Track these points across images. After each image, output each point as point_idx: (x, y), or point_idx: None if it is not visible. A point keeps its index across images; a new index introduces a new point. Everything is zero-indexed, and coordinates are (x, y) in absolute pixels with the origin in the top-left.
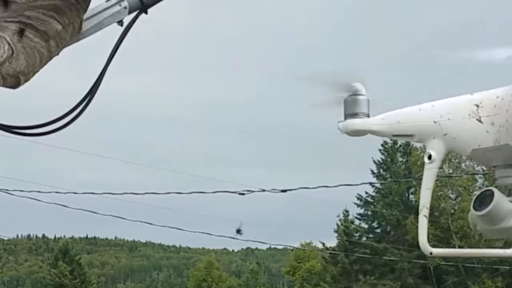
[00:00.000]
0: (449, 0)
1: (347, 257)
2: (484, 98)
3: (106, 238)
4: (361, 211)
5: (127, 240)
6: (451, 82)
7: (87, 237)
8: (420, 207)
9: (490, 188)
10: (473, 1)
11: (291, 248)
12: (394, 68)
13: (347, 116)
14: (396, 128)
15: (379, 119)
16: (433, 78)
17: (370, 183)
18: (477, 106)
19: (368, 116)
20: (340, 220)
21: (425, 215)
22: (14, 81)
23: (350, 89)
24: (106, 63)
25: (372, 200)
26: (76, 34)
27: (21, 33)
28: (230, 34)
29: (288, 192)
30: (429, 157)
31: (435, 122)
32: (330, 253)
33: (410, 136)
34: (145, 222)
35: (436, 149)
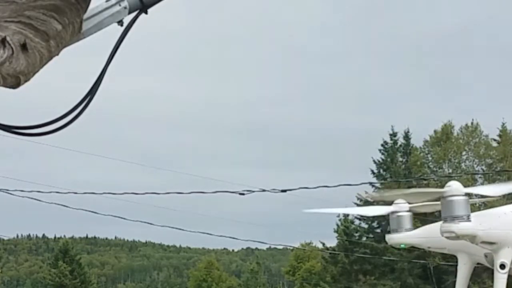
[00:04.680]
0: (450, 2)
1: (347, 257)
2: None
3: (106, 238)
4: None
5: (127, 240)
6: (451, 82)
7: (87, 237)
8: None
9: None
10: (472, 3)
11: (291, 248)
12: (394, 68)
13: (448, 219)
14: (488, 234)
15: (478, 224)
16: (433, 78)
17: (370, 183)
18: None
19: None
20: (340, 220)
21: None
22: (14, 81)
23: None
24: (106, 63)
25: (372, 200)
26: (76, 34)
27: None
28: (230, 34)
29: (288, 192)
30: (503, 266)
31: None
32: (330, 253)
33: (494, 243)
34: (145, 222)
35: (508, 258)
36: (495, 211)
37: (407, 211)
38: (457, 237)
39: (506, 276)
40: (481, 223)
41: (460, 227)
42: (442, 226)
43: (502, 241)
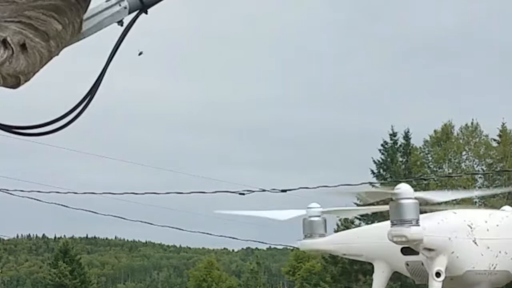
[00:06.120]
0: (450, 1)
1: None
2: (474, 219)
3: (106, 238)
4: None
5: (127, 240)
6: (451, 82)
7: (87, 237)
8: None
9: None
10: (472, 3)
11: (291, 248)
12: (394, 68)
13: (397, 222)
14: (429, 241)
15: (423, 229)
16: (433, 78)
17: (370, 183)
18: (470, 227)
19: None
20: (340, 220)
21: None
22: (14, 81)
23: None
24: (106, 63)
25: (372, 200)
26: (76, 34)
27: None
28: (230, 34)
29: (288, 192)
30: (438, 274)
31: (449, 239)
32: (330, 253)
33: (432, 250)
34: (145, 222)
35: (443, 266)
36: (436, 216)
37: (319, 216)
38: (407, 242)
39: (440, 285)
40: (425, 228)
41: (411, 231)
42: (391, 230)
43: (441, 249)
